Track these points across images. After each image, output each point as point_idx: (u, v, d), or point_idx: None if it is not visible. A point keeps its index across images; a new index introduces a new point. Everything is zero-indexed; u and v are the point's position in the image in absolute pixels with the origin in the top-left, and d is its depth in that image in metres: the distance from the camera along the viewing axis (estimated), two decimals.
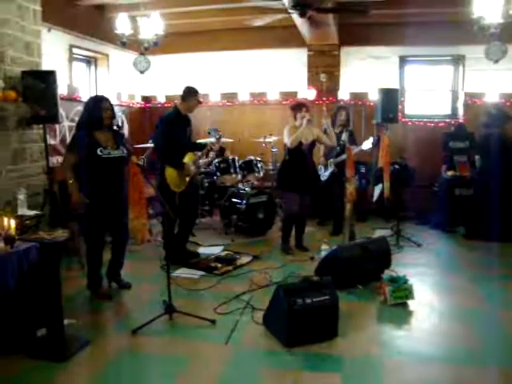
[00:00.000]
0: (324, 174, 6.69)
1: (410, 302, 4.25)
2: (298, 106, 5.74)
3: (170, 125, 5.10)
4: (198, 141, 6.27)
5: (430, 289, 4.78)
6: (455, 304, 4.37)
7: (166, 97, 9.06)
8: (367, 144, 6.52)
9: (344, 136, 6.54)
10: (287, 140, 5.59)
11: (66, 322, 3.49)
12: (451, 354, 3.42)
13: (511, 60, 7.15)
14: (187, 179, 5.19)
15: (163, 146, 5.07)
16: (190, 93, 5.25)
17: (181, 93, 5.29)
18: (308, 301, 3.50)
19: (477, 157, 7.04)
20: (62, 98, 5.63)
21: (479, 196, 6.60)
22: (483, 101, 7.90)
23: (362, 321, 3.97)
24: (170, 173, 5.08)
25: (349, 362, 3.31)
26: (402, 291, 4.24)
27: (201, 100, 5.41)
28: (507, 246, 6.02)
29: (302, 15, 5.32)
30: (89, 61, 7.86)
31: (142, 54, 6.78)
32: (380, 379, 3.09)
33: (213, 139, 5.71)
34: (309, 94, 8.39)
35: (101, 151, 4.13)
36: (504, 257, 5.67)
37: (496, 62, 6.30)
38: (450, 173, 7.13)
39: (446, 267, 5.47)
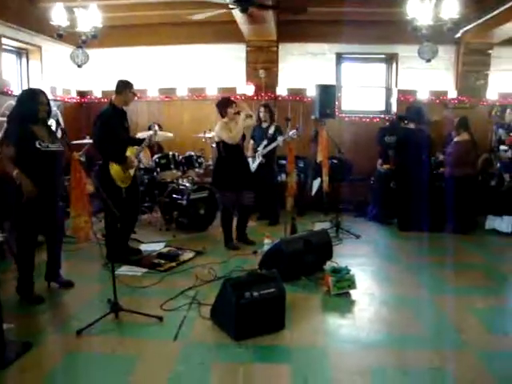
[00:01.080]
0: (252, 166, 6.75)
1: (352, 291, 4.40)
2: (228, 102, 5.75)
3: (108, 120, 4.98)
4: (137, 135, 6.17)
5: (370, 278, 4.96)
6: (394, 292, 4.55)
7: (103, 92, 8.82)
8: (289, 134, 6.63)
9: (271, 130, 6.83)
10: (225, 136, 5.58)
11: (4, 326, 3.32)
12: (392, 339, 3.59)
13: (441, 60, 7.56)
14: (131, 173, 5.11)
15: (105, 142, 4.94)
16: (124, 86, 5.12)
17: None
18: (255, 294, 3.54)
19: (391, 151, 7.39)
20: None
21: (400, 189, 6.90)
22: (415, 98, 8.26)
23: (308, 311, 4.07)
24: (115, 168, 4.98)
25: (296, 352, 3.39)
26: (345, 281, 4.38)
27: (136, 92, 5.30)
28: (436, 236, 6.39)
29: (243, 11, 5.34)
30: (19, 52, 7.51)
31: (79, 46, 6.56)
32: (327, 367, 3.18)
33: (151, 132, 5.64)
34: (247, 89, 8.44)
35: (39, 144, 3.97)
36: (434, 246, 6.04)
37: (428, 61, 6.61)
38: (385, 166, 7.39)
39: (384, 257, 5.69)
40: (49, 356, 3.33)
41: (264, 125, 6.99)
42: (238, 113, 5.65)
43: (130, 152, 5.18)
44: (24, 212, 4.01)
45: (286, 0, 6.68)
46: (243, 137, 5.83)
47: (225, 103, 5.73)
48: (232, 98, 6.01)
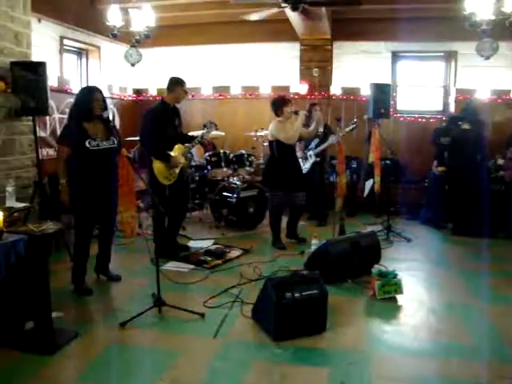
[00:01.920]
0: (304, 167, 6.67)
1: (398, 296, 4.27)
2: (285, 101, 5.67)
3: (156, 117, 5.04)
4: (190, 133, 6.25)
5: (419, 284, 4.80)
6: (444, 299, 4.39)
7: (158, 90, 9.02)
8: (346, 129, 6.51)
9: (321, 128, 6.68)
10: (282, 136, 5.52)
11: (54, 314, 3.47)
12: (439, 348, 3.45)
13: (502, 57, 7.22)
14: (176, 171, 5.16)
15: (149, 139, 5.02)
16: (176, 83, 5.17)
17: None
18: (296, 294, 3.51)
19: (445, 153, 7.13)
20: (52, 90, 5.59)
21: (454, 192, 6.64)
22: (475, 96, 7.94)
23: (351, 315, 3.99)
24: (158, 165, 5.03)
25: (337, 355, 3.32)
26: (391, 286, 4.26)
27: (187, 90, 5.32)
28: (493, 242, 6.11)
29: (294, 9, 5.29)
30: (80, 52, 7.80)
31: (133, 46, 6.72)
32: (368, 373, 3.09)
33: (204, 130, 5.66)
34: (301, 88, 8.39)
35: (89, 143, 4.08)
36: (489, 253, 5.74)
37: (487, 58, 6.33)
38: (440, 168, 7.15)
39: (435, 262, 5.49)
40: (93, 345, 3.43)
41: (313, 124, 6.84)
42: (296, 112, 5.58)
43: (177, 150, 5.22)
44: (81, 206, 4.16)
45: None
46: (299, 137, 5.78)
47: (281, 102, 5.66)
48: (288, 97, 5.95)
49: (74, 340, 3.42)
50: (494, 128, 7.64)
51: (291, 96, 7.88)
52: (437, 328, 3.79)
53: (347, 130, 6.44)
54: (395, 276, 4.34)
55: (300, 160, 6.53)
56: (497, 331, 3.74)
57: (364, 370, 3.13)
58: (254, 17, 6.04)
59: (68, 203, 4.13)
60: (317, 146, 6.76)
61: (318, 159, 6.81)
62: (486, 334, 3.68)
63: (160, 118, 5.05)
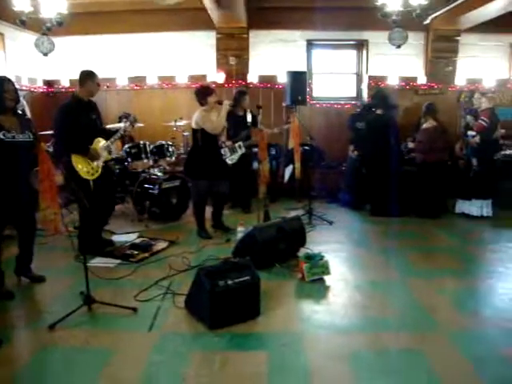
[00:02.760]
0: (232, 157, 6.67)
1: (326, 277, 4.44)
2: (209, 90, 5.65)
3: (67, 111, 4.80)
4: (109, 126, 6.06)
5: (344, 264, 5.02)
6: (367, 277, 4.61)
7: (71, 81, 8.60)
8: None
9: (249, 118, 6.58)
10: (208, 125, 5.49)
11: None
12: (366, 323, 3.64)
13: (410, 46, 7.62)
14: (100, 165, 5.00)
15: (64, 135, 4.78)
16: (87, 76, 4.92)
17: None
18: (230, 282, 3.54)
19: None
20: None
21: (371, 175, 6.98)
22: (386, 83, 8.32)
23: (282, 298, 4.08)
24: (77, 160, 4.82)
25: (272, 338, 3.40)
26: (319, 267, 4.41)
27: (99, 82, 5.10)
28: (407, 220, 6.55)
29: None
30: None
31: (44, 34, 6.36)
32: (303, 353, 3.20)
33: (125, 124, 5.49)
34: (218, 77, 8.38)
35: (3, 135, 3.85)
36: (405, 230, 6.15)
37: (398, 46, 6.67)
38: (356, 152, 7.43)
39: (357, 243, 5.75)
40: (21, 352, 3.28)
41: (240, 112, 6.78)
42: (220, 102, 5.57)
43: (98, 143, 5.04)
44: None
45: None
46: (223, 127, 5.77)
47: (205, 92, 5.61)
48: (212, 86, 5.92)
49: (0, 348, 3.22)
50: (403, 113, 8.07)
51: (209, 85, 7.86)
52: (363, 304, 3.99)
53: (284, 127, 6.57)
54: (322, 258, 4.49)
55: (226, 150, 6.55)
56: (419, 302, 4.00)
57: (299, 351, 3.23)
58: (167, 1, 5.91)
59: None
60: (247, 138, 6.72)
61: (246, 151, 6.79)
62: (408, 306, 3.94)
63: (72, 112, 4.79)
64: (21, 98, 6.49)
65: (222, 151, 6.54)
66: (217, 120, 5.52)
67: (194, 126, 5.63)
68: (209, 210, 6.07)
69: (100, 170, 4.98)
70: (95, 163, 4.94)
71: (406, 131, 7.49)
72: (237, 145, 6.66)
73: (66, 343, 3.33)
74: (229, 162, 6.62)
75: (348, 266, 4.97)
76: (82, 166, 4.85)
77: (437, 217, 6.65)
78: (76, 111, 4.84)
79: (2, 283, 4.14)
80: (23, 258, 4.38)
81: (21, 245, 4.35)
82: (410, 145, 7.21)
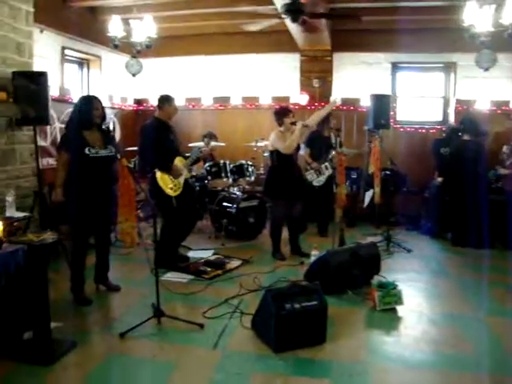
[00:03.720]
0: (319, 180, 6.67)
1: (398, 307, 4.26)
2: (286, 111, 5.70)
3: (152, 130, 5.06)
4: (190, 144, 6.28)
5: (419, 294, 4.79)
6: (444, 310, 4.37)
7: None
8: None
9: (333, 139, 6.55)
10: (280, 145, 5.53)
11: (52, 325, 3.46)
12: (439, 360, 3.43)
13: (500, 68, 7.25)
14: (181, 182, 5.18)
15: (149, 152, 5.00)
16: (164, 101, 5.21)
17: (176, 96, 5.27)
18: (296, 306, 3.50)
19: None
20: (53, 100, 5.61)
21: (454, 202, 6.63)
22: (474, 107, 7.96)
23: (351, 326, 3.97)
24: (161, 176, 5.05)
25: (337, 367, 3.31)
26: (391, 297, 4.25)
27: (176, 106, 5.35)
28: (492, 253, 6.12)
29: (294, 20, 5.32)
30: (81, 63, 7.83)
31: (134, 56, 6.75)
32: None
33: (201, 144, 5.65)
34: (301, 99, 8.41)
35: (89, 150, 4.12)
36: (489, 263, 5.72)
37: (486, 69, 6.36)
38: (439, 179, 7.14)
39: (435, 273, 5.48)
40: (92, 356, 3.41)
41: (325, 133, 6.80)
42: (295, 123, 5.61)
43: (179, 162, 5.24)
44: (79, 215, 4.15)
45: (338, 10, 6.60)
46: (297, 147, 5.78)
47: (282, 112, 5.69)
48: (290, 108, 5.99)
49: (73, 350, 3.41)
50: (493, 138, 7.65)
51: (292, 106, 7.91)
52: (437, 339, 3.77)
53: (365, 150, 6.50)
54: (395, 287, 4.32)
55: (312, 172, 6.56)
56: (497, 342, 3.73)
57: (365, 382, 3.11)
58: (254, 27, 6.06)
59: (64, 211, 4.13)
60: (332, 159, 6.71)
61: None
62: (487, 345, 3.66)
63: (156, 132, 5.05)
64: (112, 116, 6.93)
65: (308, 174, 6.56)
66: (289, 140, 5.53)
67: (269, 147, 5.73)
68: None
69: (182, 187, 5.15)
70: (177, 180, 5.12)
71: (495, 158, 7.09)
72: (323, 166, 6.65)
73: (133, 352, 3.45)
74: (315, 184, 6.61)
75: (423, 297, 4.74)
76: (165, 183, 5.05)
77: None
78: (159, 131, 5.09)
79: (83, 289, 4.38)
80: (100, 267, 4.61)
81: (98, 254, 4.58)
82: (502, 171, 6.77)
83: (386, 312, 4.20)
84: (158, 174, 5.05)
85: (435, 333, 3.90)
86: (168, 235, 5.13)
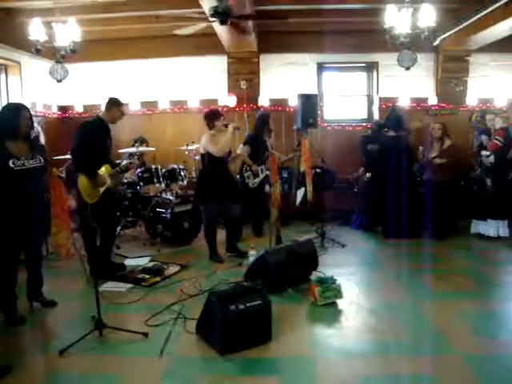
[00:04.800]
0: (254, 181, 6.73)
1: (338, 301, 4.38)
2: (216, 114, 5.72)
3: (89, 131, 4.95)
4: (121, 150, 6.13)
5: (357, 287, 4.94)
6: (380, 300, 4.54)
7: (84, 106, 8.77)
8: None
9: (269, 142, 6.66)
10: (212, 148, 5.52)
11: None
12: (380, 347, 3.58)
13: (420, 67, 7.64)
14: (100, 191, 4.99)
15: (78, 152, 4.88)
16: (114, 104, 5.15)
17: (101, 103, 5.16)
18: (241, 306, 3.51)
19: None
20: None
21: (382, 197, 6.88)
22: (397, 104, 8.30)
23: (294, 323, 4.03)
24: (83, 181, 4.88)
25: (284, 363, 3.36)
26: (331, 291, 4.36)
27: (124, 111, 5.29)
28: (420, 242, 6.45)
29: (222, 23, 5.33)
30: None
31: (58, 61, 6.49)
32: (315, 378, 3.15)
33: (133, 149, 5.53)
34: (229, 100, 8.44)
35: (13, 163, 3.89)
36: (419, 252, 6.06)
37: (407, 68, 6.66)
38: (368, 175, 7.40)
39: (370, 265, 5.70)
40: (30, 378, 3.24)
41: (266, 137, 6.83)
42: (226, 125, 5.62)
43: (105, 170, 5.07)
44: (4, 230, 3.93)
45: (265, 12, 6.70)
46: (229, 150, 5.80)
47: (213, 115, 5.69)
48: (220, 110, 5.99)
49: (8, 375, 3.19)
50: (414, 134, 8.02)
51: (220, 109, 7.92)
52: (377, 328, 3.92)
53: (297, 154, 6.62)
54: (334, 281, 4.44)
55: (250, 174, 6.60)
56: (433, 326, 3.94)
57: (311, 375, 3.18)
58: (184, 31, 6.02)
59: None
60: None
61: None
62: (423, 330, 3.86)
63: (95, 131, 4.96)
64: (35, 124, 6.62)
65: (246, 175, 6.59)
66: (221, 143, 5.54)
67: (201, 150, 5.70)
68: (224, 235, 6.05)
69: (100, 196, 5.00)
70: (97, 189, 4.97)
71: (417, 152, 7.44)
72: (259, 169, 6.71)
73: (76, 369, 3.31)
74: (251, 185, 6.65)
75: (361, 289, 4.89)
76: (84, 188, 4.90)
77: (446, 237, 6.55)
78: (97, 131, 4.99)
79: (15, 308, 4.14)
80: (33, 282, 4.39)
81: (29, 269, 4.36)
82: (438, 161, 7.03)
83: (327, 306, 4.31)
84: (81, 179, 4.89)
85: (374, 322, 4.05)
86: (88, 242, 4.97)
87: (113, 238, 5.52)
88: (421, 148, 6.91)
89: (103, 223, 5.10)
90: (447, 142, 6.62)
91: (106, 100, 5.20)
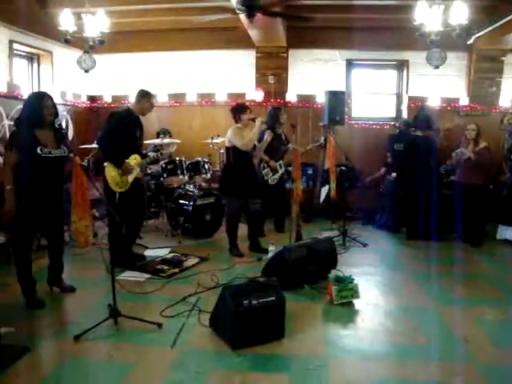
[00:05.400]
0: (274, 178, 6.69)
1: (355, 301, 4.33)
2: (243, 108, 5.70)
3: (120, 120, 4.99)
4: (146, 142, 6.18)
5: (375, 288, 4.87)
6: (399, 302, 4.47)
7: (113, 97, 8.89)
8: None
9: (283, 137, 6.64)
10: (238, 142, 5.51)
11: (2, 330, 3.34)
12: (395, 350, 3.51)
13: (451, 66, 7.48)
14: (129, 180, 5.07)
15: (105, 141, 4.95)
16: (144, 96, 5.18)
17: (130, 93, 5.20)
18: (254, 302, 3.49)
19: (389, 159, 7.46)
20: (0, 96, 5.40)
21: (408, 197, 6.80)
22: (426, 104, 8.17)
23: (309, 321, 4.00)
24: (110, 171, 4.96)
25: (295, 361, 3.32)
26: (348, 291, 4.31)
27: (154, 104, 5.31)
28: (445, 245, 6.32)
29: (249, 16, 5.31)
30: (31, 57, 7.59)
31: (86, 52, 6.59)
32: (326, 378, 3.11)
33: (162, 142, 5.56)
34: (256, 95, 8.42)
35: (41, 150, 3.97)
36: (442, 256, 5.92)
37: (436, 67, 6.54)
38: (394, 174, 7.29)
39: (390, 266, 5.61)
40: (45, 361, 3.33)
41: (279, 130, 6.76)
42: (253, 119, 5.61)
43: (133, 160, 5.14)
44: (25, 214, 3.99)
45: (294, 7, 6.64)
46: (254, 144, 5.78)
47: (239, 109, 5.68)
48: (246, 104, 5.97)
49: (26, 356, 3.27)
50: (444, 134, 7.88)
51: (248, 103, 7.90)
52: (393, 330, 3.86)
53: (316, 145, 6.54)
54: (352, 281, 4.39)
55: (268, 171, 6.57)
56: (449, 331, 3.85)
57: (323, 375, 3.14)
58: (205, 19, 5.99)
59: (13, 212, 3.97)
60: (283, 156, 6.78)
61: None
62: (439, 335, 3.77)
63: (124, 122, 5.00)
64: (64, 113, 6.73)
65: (264, 172, 6.55)
66: (247, 137, 5.53)
67: (226, 143, 5.69)
68: (245, 229, 6.04)
69: (129, 185, 5.07)
70: (125, 177, 5.03)
71: (446, 153, 7.31)
72: (278, 164, 6.67)
73: (88, 355, 3.36)
74: (270, 182, 6.61)
75: (379, 291, 4.82)
76: (112, 178, 4.97)
77: (477, 244, 6.38)
78: (126, 122, 5.03)
79: (34, 292, 4.22)
80: (54, 268, 4.47)
81: (51, 255, 4.44)
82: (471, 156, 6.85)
83: (343, 306, 4.26)
84: (108, 166, 4.96)
85: (391, 324, 3.98)
86: (115, 233, 5.03)
87: (138, 229, 5.59)
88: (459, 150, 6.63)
89: (131, 213, 5.16)
90: (482, 144, 6.40)
91: (136, 92, 5.22)
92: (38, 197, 4.02)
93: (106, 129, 4.99)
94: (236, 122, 5.68)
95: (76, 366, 3.23)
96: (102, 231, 6.34)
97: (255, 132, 5.56)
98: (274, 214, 7.07)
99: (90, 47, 6.14)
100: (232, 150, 5.61)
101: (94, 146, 6.65)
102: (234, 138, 5.55)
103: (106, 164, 4.99)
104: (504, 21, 6.48)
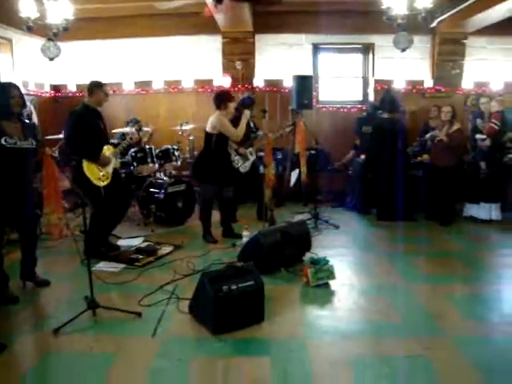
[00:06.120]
0: (245, 165, 6.67)
1: (331, 282, 4.41)
2: (230, 96, 5.66)
3: (78, 119, 4.86)
4: (115, 131, 6.09)
5: (349, 268, 4.98)
6: (373, 281, 4.58)
7: (77, 85, 8.68)
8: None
9: (252, 124, 6.67)
10: (232, 131, 5.51)
11: None
12: (371, 328, 3.61)
13: (416, 49, 7.60)
14: (109, 171, 5.02)
15: (76, 141, 4.83)
16: (96, 86, 5.03)
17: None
18: (233, 287, 3.52)
19: (357, 142, 7.57)
20: None
21: (377, 179, 6.93)
22: (392, 87, 8.28)
23: (287, 303, 4.06)
24: (89, 167, 4.87)
25: (276, 344, 3.38)
26: (324, 272, 4.38)
27: (108, 92, 5.19)
28: (413, 225, 6.54)
29: (218, 2, 5.26)
30: None
31: (50, 39, 6.39)
32: (307, 358, 3.18)
33: (131, 130, 5.49)
34: (224, 81, 8.37)
35: (5, 141, 3.85)
36: (412, 235, 6.11)
37: (403, 50, 6.61)
38: (362, 156, 7.40)
39: (363, 247, 5.73)
40: (24, 356, 3.27)
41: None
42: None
43: (107, 151, 5.07)
44: None
45: None
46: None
47: (227, 97, 5.62)
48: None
49: (3, 353, 3.20)
50: (409, 116, 8.02)
51: (215, 89, 7.88)
52: (368, 309, 3.96)
53: (287, 130, 6.56)
54: (327, 262, 4.47)
55: (239, 158, 6.55)
56: (424, 308, 3.98)
57: (303, 356, 3.21)
58: (170, 5, 5.91)
59: None
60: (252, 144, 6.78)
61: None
62: (414, 311, 3.91)
63: (84, 119, 4.87)
64: (28, 103, 6.55)
65: (236, 159, 6.52)
66: (239, 127, 5.55)
67: (209, 129, 5.57)
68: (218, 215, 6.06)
69: (110, 177, 5.01)
70: (105, 170, 4.97)
71: (412, 135, 7.45)
72: (248, 151, 6.66)
73: (69, 348, 3.33)
74: (242, 170, 6.59)
75: (354, 271, 4.94)
76: (92, 173, 4.89)
77: (448, 224, 6.54)
78: (87, 118, 4.92)
79: (7, 287, 4.14)
80: (27, 262, 4.38)
81: (23, 249, 4.35)
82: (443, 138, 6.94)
83: (320, 287, 4.34)
84: (85, 164, 4.87)
85: (366, 303, 4.09)
86: (97, 224, 4.98)
87: (120, 220, 5.53)
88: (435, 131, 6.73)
89: (117, 203, 5.14)
90: (455, 126, 6.51)
91: (88, 85, 5.05)
92: (5, 189, 3.92)
93: (69, 130, 4.89)
94: (220, 109, 5.57)
95: (56, 360, 3.21)
96: (73, 222, 6.24)
97: (244, 123, 5.57)
98: (256, 201, 7.01)
99: (53, 34, 5.96)
100: (216, 137, 5.56)
101: (60, 136, 6.53)
102: (225, 126, 5.51)
103: (83, 163, 4.85)
104: (466, 4, 6.60)
